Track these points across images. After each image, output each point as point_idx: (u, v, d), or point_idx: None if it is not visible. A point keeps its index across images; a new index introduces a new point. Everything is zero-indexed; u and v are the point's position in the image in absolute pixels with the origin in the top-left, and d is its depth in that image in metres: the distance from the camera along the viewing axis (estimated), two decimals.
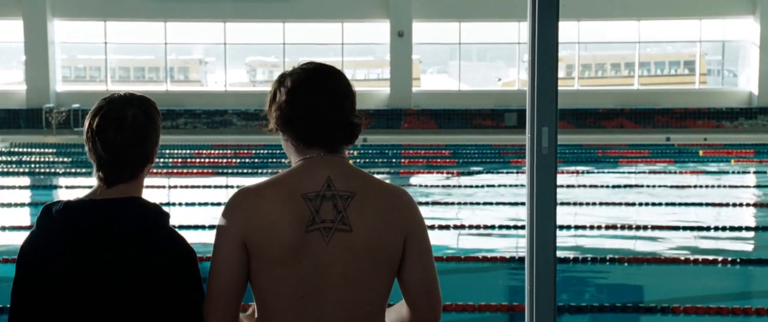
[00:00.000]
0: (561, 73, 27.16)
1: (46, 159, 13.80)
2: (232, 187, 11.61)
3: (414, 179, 12.50)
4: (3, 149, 15.43)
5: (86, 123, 2.02)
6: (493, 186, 11.14)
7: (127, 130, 1.98)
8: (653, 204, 9.69)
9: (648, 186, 11.14)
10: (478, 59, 29.21)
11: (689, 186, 11.16)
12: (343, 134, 2.07)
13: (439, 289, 2.10)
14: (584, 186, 11.09)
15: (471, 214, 9.32)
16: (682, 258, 7.10)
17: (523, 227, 8.45)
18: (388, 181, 2.14)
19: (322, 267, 1.99)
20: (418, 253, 2.05)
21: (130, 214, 1.97)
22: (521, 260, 7.16)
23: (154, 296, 1.95)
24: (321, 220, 1.99)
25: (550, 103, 2.12)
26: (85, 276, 1.93)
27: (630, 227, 8.39)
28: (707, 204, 9.72)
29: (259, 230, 1.98)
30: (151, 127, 2.02)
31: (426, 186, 11.44)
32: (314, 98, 2.05)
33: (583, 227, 8.33)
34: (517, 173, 12.71)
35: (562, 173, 12.31)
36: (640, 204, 9.70)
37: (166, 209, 2.06)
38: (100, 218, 1.96)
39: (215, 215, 8.60)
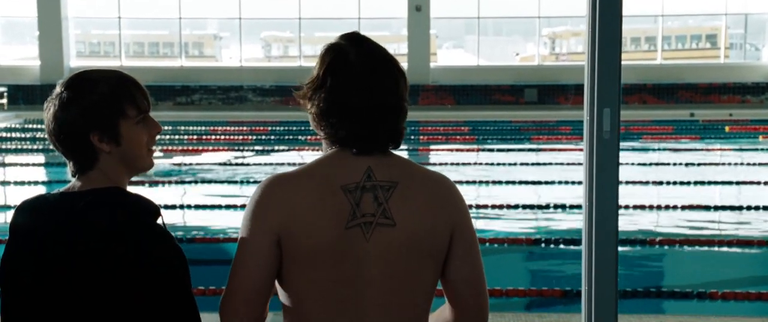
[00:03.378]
0: (580, 48, 26.76)
1: None
2: (248, 164, 11.42)
3: (432, 156, 12.27)
4: (17, 125, 15.31)
5: None
6: (514, 164, 10.90)
7: (53, 116, 1.78)
8: (680, 183, 9.41)
9: (674, 164, 10.86)
10: (494, 34, 28.85)
11: (717, 163, 10.87)
12: (394, 141, 1.84)
13: (486, 287, 1.89)
14: None
15: (491, 193, 9.08)
16: (716, 239, 6.85)
17: (545, 207, 8.29)
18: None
19: (363, 267, 1.78)
20: (466, 247, 1.84)
21: (104, 208, 1.75)
22: (548, 242, 6.94)
23: (125, 302, 1.71)
24: (361, 214, 1.77)
25: (613, 81, 1.88)
26: (56, 275, 1.74)
27: (658, 207, 8.12)
28: (738, 182, 9.43)
29: (296, 224, 1.76)
30: (70, 108, 1.76)
31: (444, 164, 11.20)
32: (367, 103, 1.79)
33: None
34: (539, 150, 12.46)
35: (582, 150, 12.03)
36: (666, 182, 9.42)
37: (157, 203, 1.82)
38: (71, 212, 1.75)
39: (231, 194, 8.33)
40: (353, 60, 1.81)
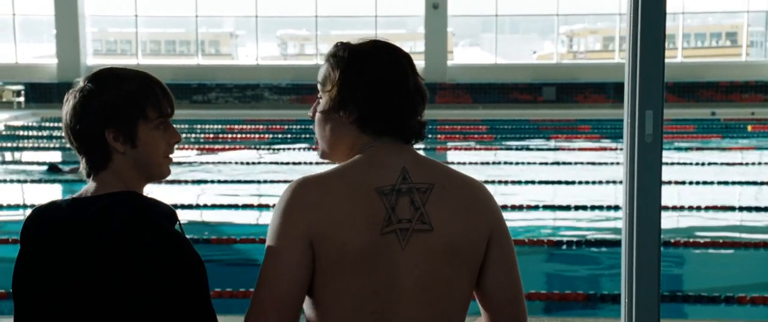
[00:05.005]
0: (597, 46, 26.55)
1: None
2: (264, 163, 11.37)
3: (450, 155, 12.18)
4: (34, 124, 15.33)
5: None
6: (533, 163, 10.79)
7: (72, 108, 1.72)
8: (702, 183, 9.27)
9: (695, 163, 10.71)
10: (510, 32, 28.71)
11: (739, 163, 10.71)
12: (417, 129, 1.78)
13: (523, 296, 1.81)
14: None
15: (510, 192, 8.98)
16: (741, 242, 6.72)
17: (566, 207, 8.17)
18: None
19: (397, 275, 1.68)
20: (503, 255, 1.77)
21: (117, 213, 1.68)
22: (568, 243, 6.84)
23: (141, 308, 1.65)
24: (397, 220, 1.68)
25: (656, 82, 1.78)
26: (71, 283, 1.68)
27: (680, 208, 7.99)
28: (761, 182, 9.28)
29: (326, 229, 1.67)
30: (91, 102, 1.70)
31: (462, 163, 11.11)
32: (393, 77, 1.73)
33: None
34: (558, 149, 12.33)
35: (604, 149, 11.91)
36: (688, 183, 9.28)
37: (173, 203, 1.76)
38: (84, 218, 1.68)
39: (247, 193, 8.23)
40: (362, 47, 1.77)
